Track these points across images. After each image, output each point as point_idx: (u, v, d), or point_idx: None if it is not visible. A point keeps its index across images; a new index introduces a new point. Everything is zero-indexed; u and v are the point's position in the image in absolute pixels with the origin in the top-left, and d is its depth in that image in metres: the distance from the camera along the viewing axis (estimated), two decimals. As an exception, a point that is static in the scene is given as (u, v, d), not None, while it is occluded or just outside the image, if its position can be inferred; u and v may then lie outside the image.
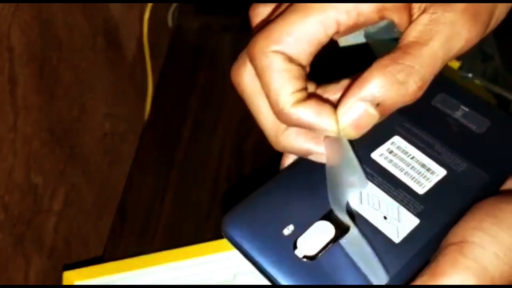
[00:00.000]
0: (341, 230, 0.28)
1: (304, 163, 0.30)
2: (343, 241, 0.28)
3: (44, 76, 0.60)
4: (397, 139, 0.32)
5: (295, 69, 0.29)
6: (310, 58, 0.30)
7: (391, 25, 0.30)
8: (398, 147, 0.32)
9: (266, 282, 0.28)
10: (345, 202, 0.29)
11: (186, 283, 0.57)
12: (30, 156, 0.58)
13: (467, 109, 0.34)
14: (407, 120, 0.33)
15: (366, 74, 0.28)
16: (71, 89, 0.66)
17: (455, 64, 0.64)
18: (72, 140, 0.67)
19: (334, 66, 0.38)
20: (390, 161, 0.32)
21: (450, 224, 0.28)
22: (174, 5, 0.93)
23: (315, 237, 0.28)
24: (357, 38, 0.49)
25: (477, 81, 0.61)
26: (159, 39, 0.92)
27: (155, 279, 0.58)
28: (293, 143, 0.30)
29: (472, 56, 0.64)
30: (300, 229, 0.28)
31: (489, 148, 0.33)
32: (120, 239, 0.67)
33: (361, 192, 0.30)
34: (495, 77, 0.62)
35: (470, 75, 0.61)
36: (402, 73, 0.27)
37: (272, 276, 0.27)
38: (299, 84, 0.29)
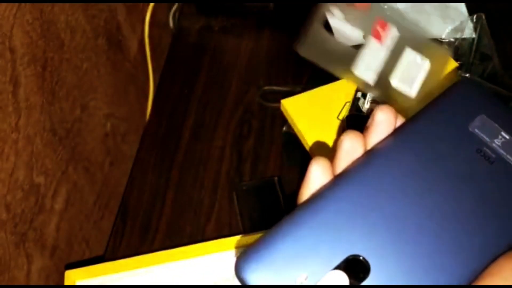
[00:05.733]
0: (356, 279, 0.27)
1: (320, 204, 0.29)
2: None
3: (46, 76, 0.60)
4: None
5: None
6: None
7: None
8: None
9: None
10: None
11: (186, 283, 0.57)
12: (32, 156, 0.58)
13: (507, 137, 0.31)
14: (430, 158, 0.30)
15: None
16: (73, 89, 0.66)
17: (454, 64, 0.64)
18: (74, 140, 0.67)
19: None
20: None
21: None
22: (175, 6, 0.93)
23: None
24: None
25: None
26: (160, 40, 0.92)
27: (155, 279, 0.58)
28: None
29: (470, 57, 0.64)
30: (314, 278, 0.27)
31: None
32: (121, 238, 0.67)
33: None
34: (493, 77, 0.62)
35: (468, 75, 0.62)
36: None
37: None
38: None
